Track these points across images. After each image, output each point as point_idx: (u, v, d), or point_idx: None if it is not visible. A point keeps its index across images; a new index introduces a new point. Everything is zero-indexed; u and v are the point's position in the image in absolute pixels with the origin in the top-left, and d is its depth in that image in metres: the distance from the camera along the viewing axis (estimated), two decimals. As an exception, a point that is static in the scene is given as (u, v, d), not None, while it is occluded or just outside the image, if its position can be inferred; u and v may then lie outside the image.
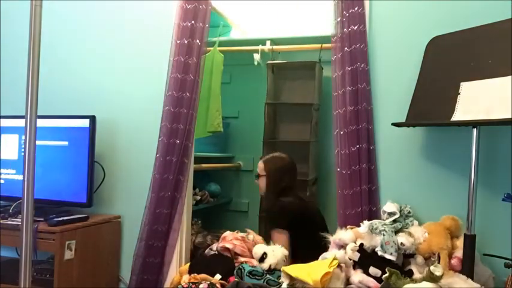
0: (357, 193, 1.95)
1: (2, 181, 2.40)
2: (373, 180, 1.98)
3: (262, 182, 2.27)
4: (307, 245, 2.00)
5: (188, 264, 2.06)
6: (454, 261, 1.66)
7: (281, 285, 1.69)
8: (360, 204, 1.94)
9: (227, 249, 2.00)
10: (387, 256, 1.64)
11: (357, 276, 1.69)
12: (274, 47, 2.82)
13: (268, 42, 2.82)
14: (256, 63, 2.82)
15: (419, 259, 1.70)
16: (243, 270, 1.81)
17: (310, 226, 2.11)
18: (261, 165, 2.29)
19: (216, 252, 2.04)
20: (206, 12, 2.19)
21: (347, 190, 1.95)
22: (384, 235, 1.68)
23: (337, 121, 2.00)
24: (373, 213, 1.96)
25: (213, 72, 2.77)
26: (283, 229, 2.08)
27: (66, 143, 2.26)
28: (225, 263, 1.95)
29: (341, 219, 1.96)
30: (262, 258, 1.87)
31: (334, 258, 1.68)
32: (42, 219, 2.06)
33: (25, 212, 1.15)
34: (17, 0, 2.60)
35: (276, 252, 1.88)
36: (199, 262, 2.03)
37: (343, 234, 1.83)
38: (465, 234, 1.64)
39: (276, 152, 2.38)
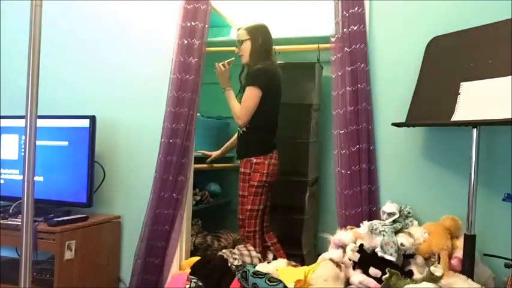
0: (356, 193, 1.95)
1: (2, 181, 2.40)
2: (373, 181, 1.98)
3: (246, 47, 2.34)
4: (268, 114, 2.31)
5: (189, 260, 2.09)
6: (454, 262, 1.66)
7: (281, 282, 1.71)
8: (360, 204, 1.94)
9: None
10: (387, 257, 1.64)
11: (357, 276, 1.69)
12: (274, 47, 2.81)
13: (268, 42, 2.81)
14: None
15: (419, 259, 1.70)
16: (248, 272, 1.83)
17: (277, 94, 2.36)
18: (242, 31, 2.36)
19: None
20: (206, 13, 2.19)
21: (347, 190, 1.95)
22: (383, 236, 1.68)
23: (337, 121, 2.00)
24: (373, 214, 1.96)
25: None
26: (259, 87, 2.26)
27: (66, 143, 2.26)
28: (224, 272, 1.99)
29: (341, 220, 1.96)
30: None
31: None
32: (42, 219, 2.06)
33: (25, 212, 1.15)
34: (17, 0, 2.60)
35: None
36: (201, 267, 2.05)
37: (343, 235, 1.83)
38: (465, 234, 1.64)
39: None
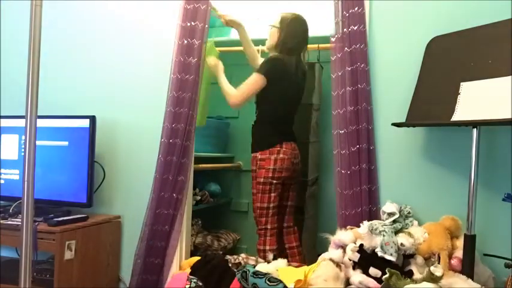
0: (357, 193, 1.94)
1: (2, 181, 2.40)
2: (373, 180, 1.98)
3: (272, 34, 2.31)
4: (270, 104, 2.27)
5: (189, 260, 2.11)
6: (454, 262, 1.66)
7: (281, 282, 1.73)
8: (360, 204, 1.94)
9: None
10: (387, 257, 1.64)
11: (357, 276, 1.69)
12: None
13: (268, 42, 2.81)
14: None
15: (419, 259, 1.70)
16: (248, 272, 1.83)
17: (286, 86, 2.26)
18: (277, 17, 2.32)
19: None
20: (206, 13, 2.19)
21: (347, 190, 1.95)
22: (383, 236, 1.68)
23: (336, 121, 2.00)
24: (373, 214, 1.96)
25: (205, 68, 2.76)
26: (262, 74, 2.21)
27: (66, 143, 2.26)
28: (224, 272, 1.99)
29: (341, 220, 1.96)
30: None
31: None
32: (42, 219, 2.06)
33: (25, 212, 1.15)
34: (17, 0, 2.60)
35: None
36: (202, 267, 2.05)
37: (342, 235, 1.83)
38: (465, 234, 1.64)
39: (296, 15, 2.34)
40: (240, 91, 2.22)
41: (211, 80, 2.74)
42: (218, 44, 2.80)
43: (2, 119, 2.41)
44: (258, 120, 2.33)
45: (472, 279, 1.56)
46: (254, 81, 2.21)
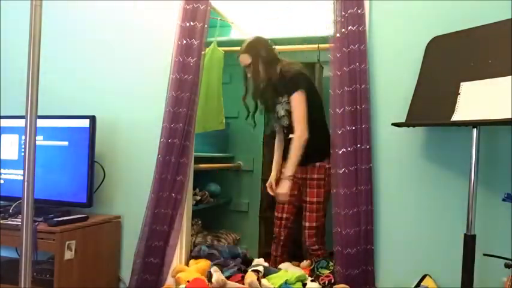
0: (355, 193, 1.94)
1: (2, 181, 2.40)
2: (371, 180, 1.98)
3: (255, 69, 2.25)
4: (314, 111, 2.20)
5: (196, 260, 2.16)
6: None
7: None
8: (358, 204, 1.94)
9: None
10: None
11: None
12: (274, 47, 2.81)
13: (268, 43, 2.81)
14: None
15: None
16: None
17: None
18: (243, 56, 2.26)
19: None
20: (206, 13, 2.19)
21: (345, 190, 1.95)
22: None
23: (335, 120, 1.99)
24: (371, 214, 1.96)
25: (213, 70, 2.77)
26: (302, 89, 2.18)
27: (66, 143, 2.26)
28: None
29: (339, 219, 1.96)
30: None
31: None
32: (42, 219, 2.06)
33: (25, 212, 1.15)
34: (17, 0, 2.60)
35: None
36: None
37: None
38: (465, 234, 1.63)
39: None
40: (300, 123, 2.15)
41: (222, 81, 2.76)
42: (218, 44, 2.80)
43: (2, 119, 2.41)
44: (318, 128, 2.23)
45: (472, 280, 1.56)
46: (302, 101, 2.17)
